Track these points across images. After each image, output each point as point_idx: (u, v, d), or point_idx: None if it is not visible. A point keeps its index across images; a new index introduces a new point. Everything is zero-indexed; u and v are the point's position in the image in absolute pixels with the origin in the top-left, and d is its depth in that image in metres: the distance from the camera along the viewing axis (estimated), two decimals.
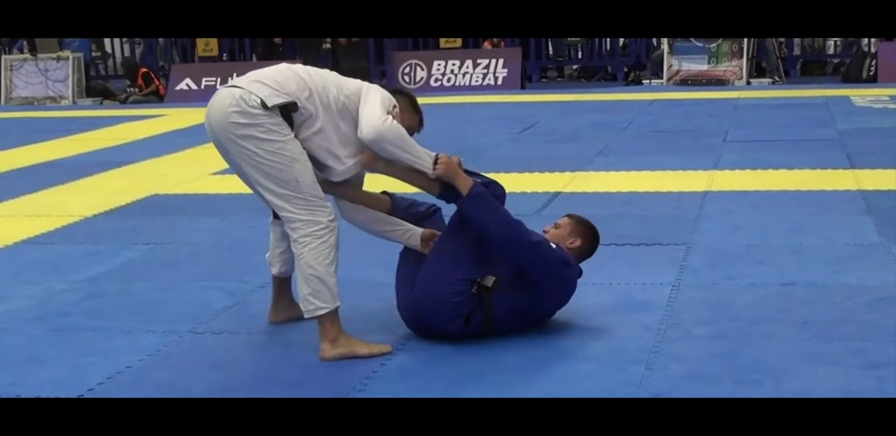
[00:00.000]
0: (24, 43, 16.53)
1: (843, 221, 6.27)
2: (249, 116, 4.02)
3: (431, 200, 4.47)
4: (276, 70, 4.18)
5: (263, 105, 4.01)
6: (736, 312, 4.64)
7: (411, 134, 4.36)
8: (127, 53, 17.79)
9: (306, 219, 4.10)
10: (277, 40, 15.70)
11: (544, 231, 4.64)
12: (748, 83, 14.82)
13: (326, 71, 4.30)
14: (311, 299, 4.13)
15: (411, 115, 4.40)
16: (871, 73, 14.90)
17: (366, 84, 4.27)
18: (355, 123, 4.14)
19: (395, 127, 4.12)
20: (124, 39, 17.73)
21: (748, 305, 4.74)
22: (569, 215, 4.74)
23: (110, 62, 17.89)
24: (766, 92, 13.96)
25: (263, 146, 4.03)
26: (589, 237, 4.65)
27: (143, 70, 16.00)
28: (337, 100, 4.14)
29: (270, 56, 15.96)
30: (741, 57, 14.84)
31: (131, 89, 16.12)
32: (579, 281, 5.13)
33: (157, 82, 15.84)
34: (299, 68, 4.23)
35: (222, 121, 4.05)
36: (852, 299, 4.76)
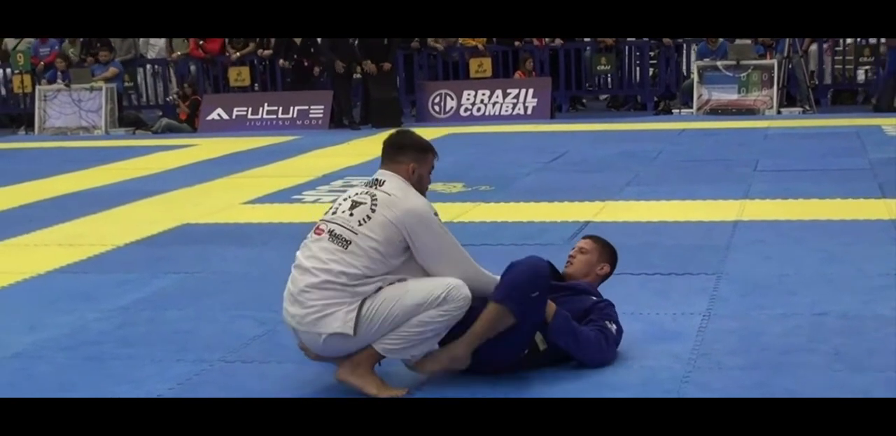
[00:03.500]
0: (59, 74, 16.70)
1: (876, 251, 6.23)
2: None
3: None
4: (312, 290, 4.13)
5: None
6: (767, 342, 4.61)
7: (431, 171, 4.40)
8: (160, 87, 17.92)
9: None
10: (316, 71, 15.81)
11: (570, 257, 4.69)
12: (778, 112, 14.76)
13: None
14: None
15: (424, 162, 4.36)
16: None
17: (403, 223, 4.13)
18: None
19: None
20: (157, 69, 17.88)
21: (779, 335, 4.71)
22: (591, 238, 4.79)
23: (143, 93, 18.02)
24: (796, 121, 13.91)
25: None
26: (614, 262, 4.77)
27: (196, 97, 16.06)
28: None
29: (301, 86, 16.06)
30: (771, 86, 14.79)
31: (163, 117, 16.27)
32: None
33: (198, 113, 15.91)
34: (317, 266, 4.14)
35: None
36: (885, 330, 4.73)
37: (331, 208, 4.27)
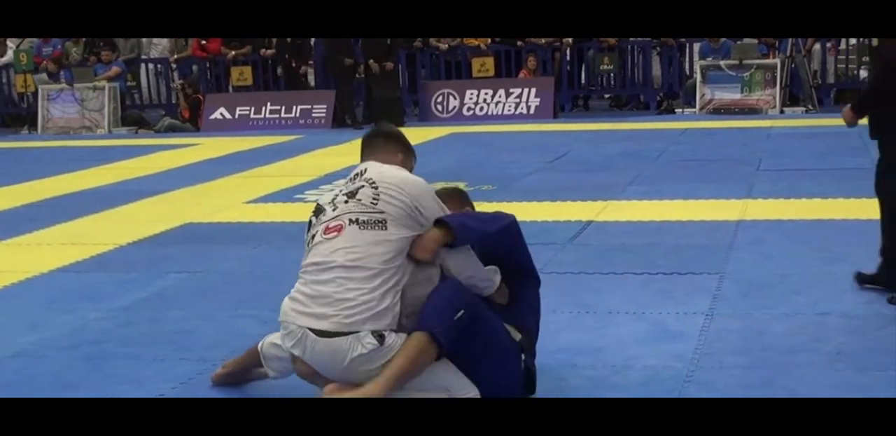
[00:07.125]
0: (61, 73, 16.71)
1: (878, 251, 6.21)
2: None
3: None
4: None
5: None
6: (769, 341, 4.61)
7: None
8: (162, 87, 17.92)
9: None
10: (311, 72, 15.84)
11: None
12: (781, 112, 14.75)
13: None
14: None
15: (411, 158, 4.15)
16: None
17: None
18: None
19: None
20: (159, 69, 17.88)
21: (782, 334, 4.71)
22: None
23: (145, 92, 18.02)
24: (799, 121, 13.90)
25: None
26: None
27: (197, 96, 16.04)
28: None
29: (293, 87, 16.14)
30: (774, 86, 14.78)
31: (166, 116, 16.30)
32: (611, 311, 5.14)
33: (201, 112, 15.90)
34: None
35: None
36: (887, 329, 4.73)
37: (320, 212, 3.93)
